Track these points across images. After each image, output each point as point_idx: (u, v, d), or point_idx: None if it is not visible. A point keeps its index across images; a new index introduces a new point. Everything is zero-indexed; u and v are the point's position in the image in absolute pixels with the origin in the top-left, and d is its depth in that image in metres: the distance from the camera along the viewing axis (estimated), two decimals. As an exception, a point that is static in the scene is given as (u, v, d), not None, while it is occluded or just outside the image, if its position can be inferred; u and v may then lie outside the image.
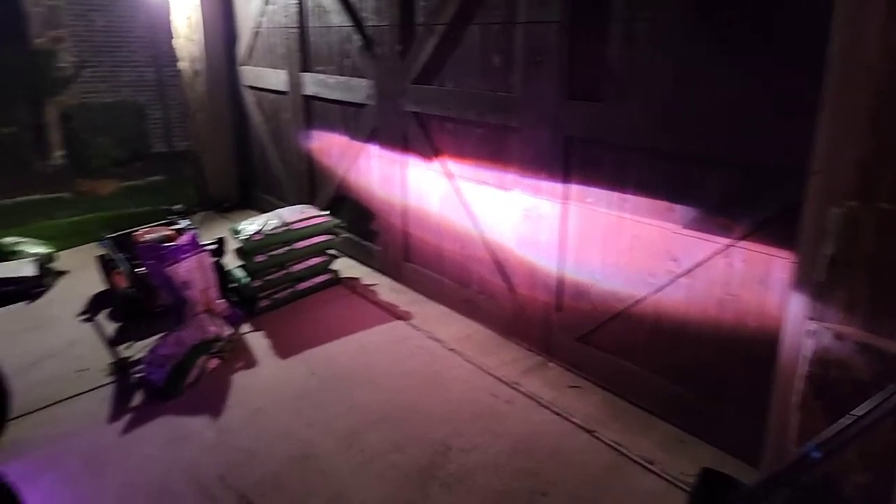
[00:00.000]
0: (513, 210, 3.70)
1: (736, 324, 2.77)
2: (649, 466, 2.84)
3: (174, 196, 6.85)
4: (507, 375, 3.56)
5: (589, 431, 3.09)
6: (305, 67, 5.30)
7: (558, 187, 3.36)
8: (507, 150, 3.66)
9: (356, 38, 4.60)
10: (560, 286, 3.52)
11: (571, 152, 3.28)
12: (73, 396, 3.44)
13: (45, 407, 3.34)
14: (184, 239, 3.92)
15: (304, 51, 5.26)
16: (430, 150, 4.20)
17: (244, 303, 4.37)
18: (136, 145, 10.18)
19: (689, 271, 2.88)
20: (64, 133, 9.81)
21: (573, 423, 3.16)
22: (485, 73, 3.72)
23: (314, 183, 5.61)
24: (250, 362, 3.80)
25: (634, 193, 3.03)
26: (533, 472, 2.83)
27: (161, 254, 3.78)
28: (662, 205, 2.92)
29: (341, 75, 4.91)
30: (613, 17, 2.99)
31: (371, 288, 4.79)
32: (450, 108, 3.96)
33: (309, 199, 5.45)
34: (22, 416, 3.18)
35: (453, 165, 4.08)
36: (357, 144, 4.92)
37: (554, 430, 3.12)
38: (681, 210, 2.85)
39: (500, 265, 3.90)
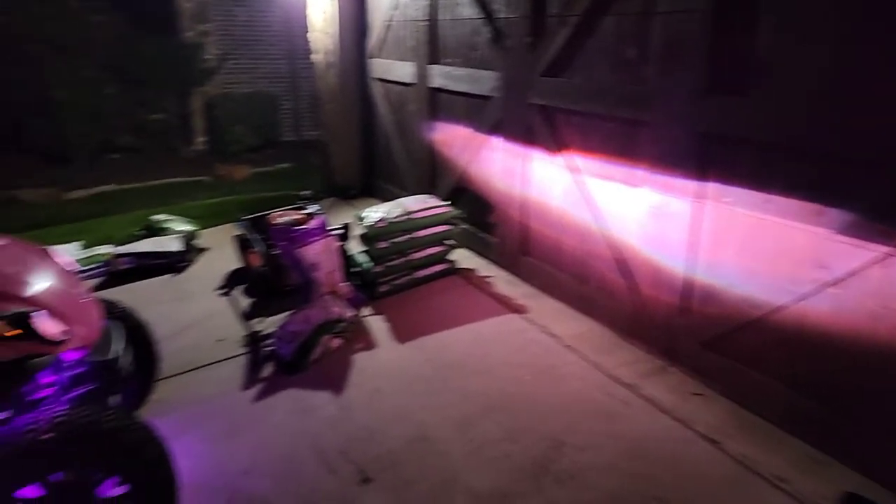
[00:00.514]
0: (639, 207, 3.58)
1: (890, 340, 2.53)
2: (780, 484, 2.67)
3: (301, 182, 7.24)
4: (624, 376, 3.47)
5: (712, 441, 2.95)
6: (433, 60, 5.40)
7: (692, 185, 3.21)
8: (637, 145, 3.55)
9: (485, 31, 4.63)
10: (687, 288, 3.37)
11: (708, 148, 3.12)
12: (212, 364, 3.73)
13: (187, 371, 3.64)
14: (313, 223, 4.13)
15: (433, 43, 5.36)
16: (554, 143, 4.15)
17: (365, 287, 4.53)
18: (269, 134, 10.83)
19: (839, 280, 2.66)
20: (206, 121, 10.62)
21: (695, 431, 3.03)
22: (617, 66, 3.62)
23: (435, 173, 5.72)
24: (370, 344, 3.95)
25: (780, 194, 2.83)
26: (649, 477, 2.75)
27: (293, 236, 4.01)
28: (812, 207, 2.71)
29: (468, 67, 4.96)
30: (762, 2, 2.81)
31: (487, 279, 4.82)
32: (578, 101, 3.89)
33: (429, 190, 5.56)
34: (168, 377, 3.48)
35: (578, 159, 4.01)
36: (480, 136, 4.95)
37: (673, 437, 3.00)
38: (833, 214, 2.64)
39: (622, 263, 3.80)
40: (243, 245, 4.86)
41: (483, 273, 4.94)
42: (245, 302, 4.56)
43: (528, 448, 2.95)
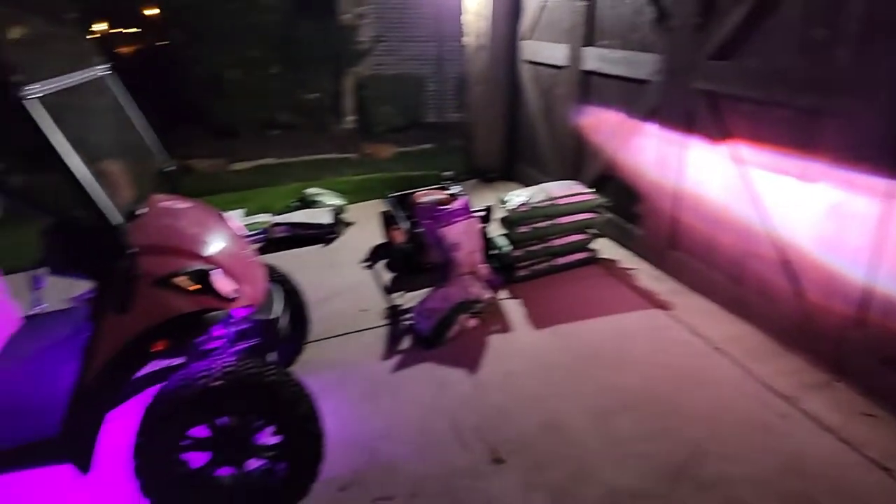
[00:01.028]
0: (814, 205, 3.25)
1: None
2: (968, 529, 2.34)
3: (442, 163, 7.36)
4: (782, 387, 3.19)
5: (884, 469, 2.64)
6: (588, 42, 5.23)
7: (882, 183, 2.86)
8: (818, 136, 3.21)
9: (648, 11, 4.40)
10: (866, 298, 3.02)
11: (908, 142, 2.76)
12: (355, 332, 3.91)
13: (333, 337, 3.84)
14: (457, 203, 4.18)
15: (590, 24, 5.18)
16: (717, 131, 3.87)
17: (503, 270, 4.52)
18: (414, 115, 11.11)
19: None
20: (356, 101, 11.10)
21: (863, 455, 2.72)
22: (802, 48, 3.28)
23: (580, 159, 5.57)
24: (505, 327, 3.94)
25: None
26: (807, 498, 2.51)
27: (437, 215, 4.08)
28: None
29: (626, 50, 4.75)
30: None
31: (629, 272, 4.63)
32: (751, 86, 3.59)
33: (573, 176, 5.42)
34: (315, 341, 3.68)
35: (744, 150, 3.71)
36: (632, 122, 4.74)
37: (837, 459, 2.72)
38: None
39: (787, 265, 3.48)
40: (388, 221, 5.03)
41: (626, 265, 4.75)
42: (387, 276, 4.72)
43: (668, 451, 2.80)
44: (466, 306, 3.84)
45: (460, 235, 4.04)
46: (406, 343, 3.78)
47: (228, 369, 2.28)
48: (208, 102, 9.80)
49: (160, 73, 9.55)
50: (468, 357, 3.59)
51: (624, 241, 5.04)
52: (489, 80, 6.72)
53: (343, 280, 4.65)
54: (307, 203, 5.96)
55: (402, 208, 4.90)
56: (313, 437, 2.42)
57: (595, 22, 5.14)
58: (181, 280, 2.31)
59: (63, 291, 2.92)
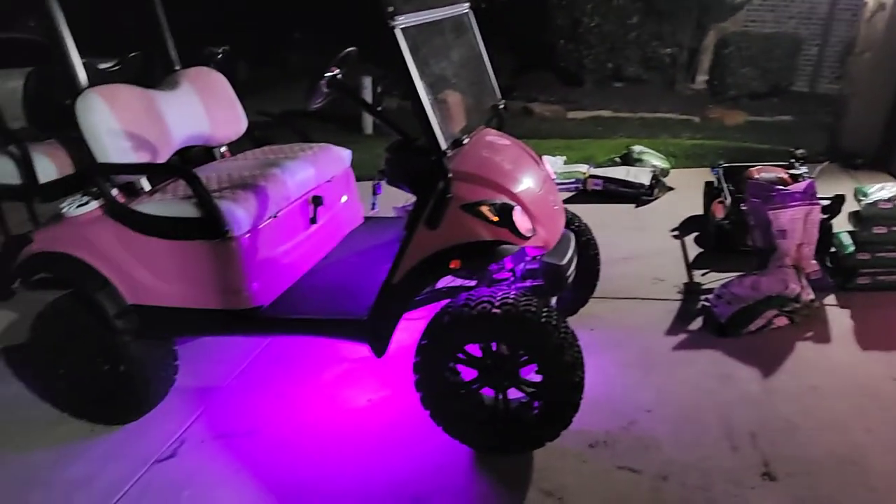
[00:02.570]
0: None
1: None
2: None
3: (798, 139, 6.44)
4: None
5: None
6: None
7: None
8: None
9: None
10: None
11: None
12: (645, 299, 3.79)
13: (619, 298, 3.78)
14: (799, 186, 3.64)
15: None
16: None
17: (838, 273, 3.87)
18: (777, 80, 9.83)
19: None
20: (713, 59, 10.22)
21: None
22: None
23: None
24: (821, 337, 3.40)
25: None
26: None
27: (770, 195, 3.62)
28: None
29: None
30: None
31: None
32: None
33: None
34: (601, 298, 3.65)
35: None
36: None
37: None
38: None
39: None
40: (711, 193, 4.65)
41: None
42: (693, 251, 4.41)
43: None
44: (779, 301, 3.40)
45: (793, 222, 3.53)
46: (696, 324, 3.54)
47: (508, 301, 2.43)
48: (561, 48, 10.03)
49: (521, 16, 10.06)
50: (765, 357, 3.21)
51: None
52: (883, 48, 5.56)
53: (645, 245, 4.49)
54: (630, 160, 5.83)
55: (730, 181, 4.47)
56: (572, 386, 2.46)
57: None
58: (486, 209, 2.50)
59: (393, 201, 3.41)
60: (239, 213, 2.65)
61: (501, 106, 3.23)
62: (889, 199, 3.70)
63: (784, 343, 3.33)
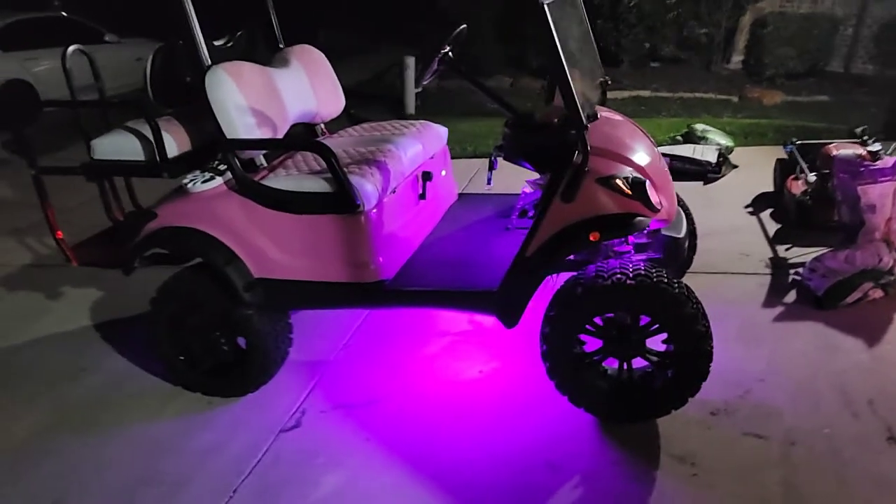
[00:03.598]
0: None
1: None
2: None
3: (838, 118, 6.44)
4: None
5: None
6: None
7: None
8: None
9: None
10: None
11: None
12: (735, 273, 3.84)
13: (710, 273, 3.83)
14: (887, 162, 3.68)
15: None
16: None
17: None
18: (815, 61, 9.81)
19: None
20: (749, 39, 10.18)
21: None
22: None
23: None
24: (917, 309, 3.46)
25: None
26: None
27: (859, 170, 3.67)
28: None
29: None
30: None
31: None
32: None
33: None
34: (693, 272, 3.69)
35: None
36: None
37: None
38: None
39: None
40: (785, 169, 4.69)
41: None
42: (771, 226, 4.46)
43: None
44: (875, 274, 3.46)
45: (882, 197, 3.58)
46: (790, 297, 3.60)
47: (640, 272, 2.49)
48: (600, 28, 9.98)
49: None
50: (867, 328, 3.27)
51: None
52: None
53: (721, 221, 4.53)
54: (693, 139, 5.86)
55: (804, 158, 4.51)
56: (704, 354, 2.53)
57: None
58: (620, 182, 2.56)
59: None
60: (368, 188, 2.71)
61: (605, 81, 3.27)
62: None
63: (883, 314, 3.39)
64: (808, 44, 9.64)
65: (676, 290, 2.48)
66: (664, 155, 5.41)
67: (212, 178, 2.86)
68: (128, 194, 3.37)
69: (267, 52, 3.46)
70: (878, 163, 3.72)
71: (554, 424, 2.79)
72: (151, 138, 2.82)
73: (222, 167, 2.90)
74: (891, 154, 4.17)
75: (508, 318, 2.73)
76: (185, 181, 2.87)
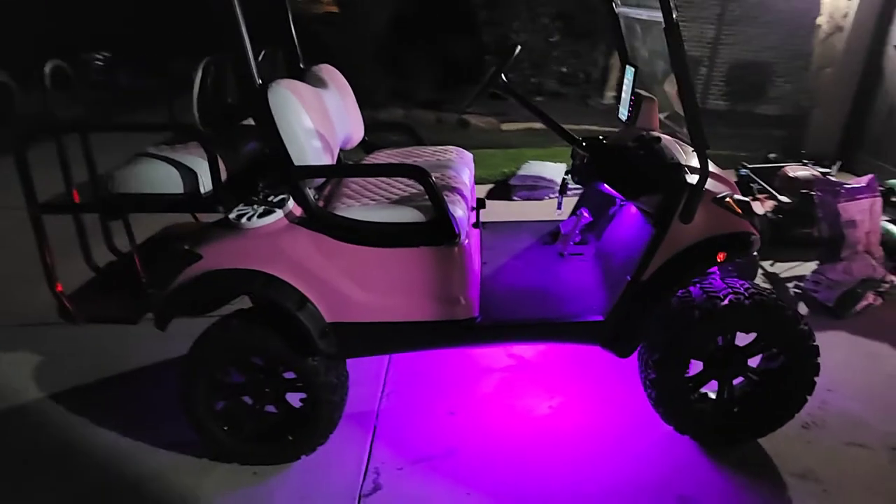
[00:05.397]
0: None
1: None
2: None
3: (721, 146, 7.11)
4: None
5: None
6: None
7: None
8: None
9: None
10: None
11: None
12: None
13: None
14: (862, 181, 4.06)
15: None
16: None
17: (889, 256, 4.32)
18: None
19: None
20: (619, 77, 11.02)
21: None
22: None
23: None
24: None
25: None
26: None
27: (837, 189, 4.01)
28: None
29: None
30: None
31: None
32: None
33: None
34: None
35: None
36: None
37: None
38: None
39: None
40: (743, 192, 5.01)
41: None
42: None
43: None
44: (874, 283, 3.77)
45: (862, 213, 3.94)
46: (803, 310, 3.79)
47: (754, 292, 2.46)
48: (490, 63, 10.31)
49: (451, 32, 10.21)
50: (892, 333, 3.52)
51: None
52: (842, 63, 6.41)
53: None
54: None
55: (757, 181, 4.88)
56: (815, 368, 2.53)
57: None
58: (731, 202, 2.52)
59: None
60: (460, 216, 2.42)
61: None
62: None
63: (888, 318, 3.68)
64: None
65: (788, 310, 2.47)
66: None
67: (270, 212, 2.38)
68: (103, 237, 2.72)
69: (285, 73, 3.04)
70: (853, 182, 4.08)
71: (658, 454, 2.65)
72: (189, 166, 2.30)
73: (274, 198, 2.44)
74: (835, 173, 4.70)
75: (623, 348, 2.56)
76: (234, 216, 2.36)
